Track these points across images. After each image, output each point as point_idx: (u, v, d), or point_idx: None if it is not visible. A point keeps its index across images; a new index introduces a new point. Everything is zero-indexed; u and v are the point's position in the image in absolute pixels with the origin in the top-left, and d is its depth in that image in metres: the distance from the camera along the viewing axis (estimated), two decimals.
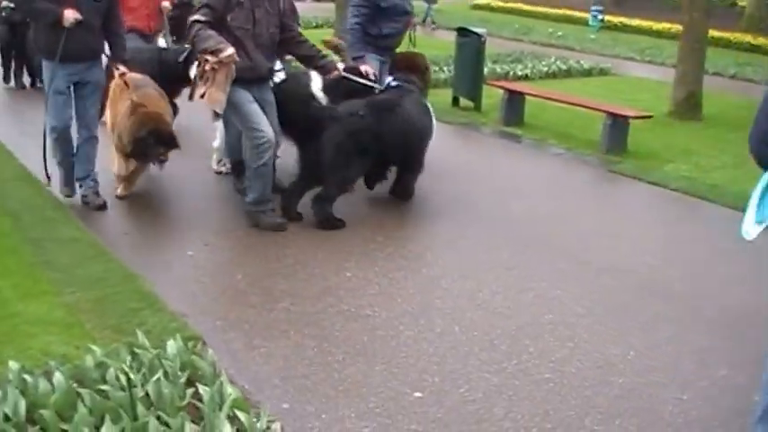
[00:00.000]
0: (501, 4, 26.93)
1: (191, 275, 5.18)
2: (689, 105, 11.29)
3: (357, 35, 7.34)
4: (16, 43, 10.94)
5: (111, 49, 6.38)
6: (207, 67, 5.63)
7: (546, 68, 14.24)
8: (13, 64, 11.40)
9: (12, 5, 10.28)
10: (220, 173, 7.40)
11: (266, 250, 5.62)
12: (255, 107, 5.91)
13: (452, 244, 5.93)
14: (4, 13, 10.82)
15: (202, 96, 5.77)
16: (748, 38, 21.33)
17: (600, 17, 22.85)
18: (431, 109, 6.92)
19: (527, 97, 10.28)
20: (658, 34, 22.08)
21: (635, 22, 23.16)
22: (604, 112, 9.16)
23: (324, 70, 6.43)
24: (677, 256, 6.04)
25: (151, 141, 6.13)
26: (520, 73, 13.54)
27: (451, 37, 12.00)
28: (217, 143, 7.40)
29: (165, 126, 6.26)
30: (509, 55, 15.51)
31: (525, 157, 8.94)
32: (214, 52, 5.60)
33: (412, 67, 7.14)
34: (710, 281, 5.54)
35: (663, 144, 9.53)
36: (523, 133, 9.78)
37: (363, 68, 6.77)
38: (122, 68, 6.35)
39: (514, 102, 10.15)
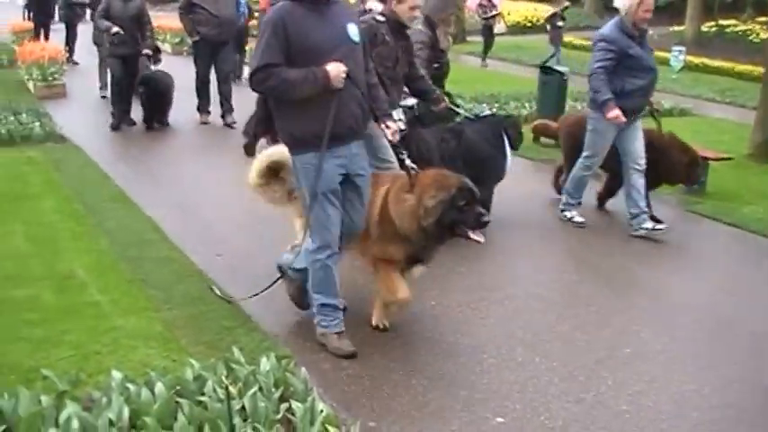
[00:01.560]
0: (583, 42, 26.80)
1: (282, 298, 5.34)
2: None
3: (603, 78, 6.83)
4: (128, 79, 10.78)
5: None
6: None
7: None
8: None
9: (121, 31, 10.35)
10: None
11: (354, 275, 5.76)
12: (386, 142, 6.08)
13: (532, 278, 6.00)
14: (115, 41, 10.50)
15: None
16: None
17: (681, 57, 22.56)
18: (505, 143, 7.04)
19: None
20: (740, 76, 21.70)
21: (716, 62, 22.82)
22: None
23: (434, 102, 6.70)
24: (755, 296, 5.99)
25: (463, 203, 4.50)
26: None
27: (527, 73, 12.10)
28: None
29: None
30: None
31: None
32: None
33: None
34: None
35: (742, 186, 9.41)
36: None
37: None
38: (394, 126, 4.78)
39: None
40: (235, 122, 10.95)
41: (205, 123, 11.39)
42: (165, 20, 21.11)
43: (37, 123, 10.24)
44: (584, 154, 7.41)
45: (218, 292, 5.17)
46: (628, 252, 6.78)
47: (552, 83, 10.86)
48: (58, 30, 18.43)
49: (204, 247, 6.28)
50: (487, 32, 22.20)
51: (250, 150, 9.04)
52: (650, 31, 24.62)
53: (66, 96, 13.55)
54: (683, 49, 22.96)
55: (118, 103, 10.85)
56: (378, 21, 6.00)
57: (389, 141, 4.84)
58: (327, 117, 4.24)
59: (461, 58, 21.58)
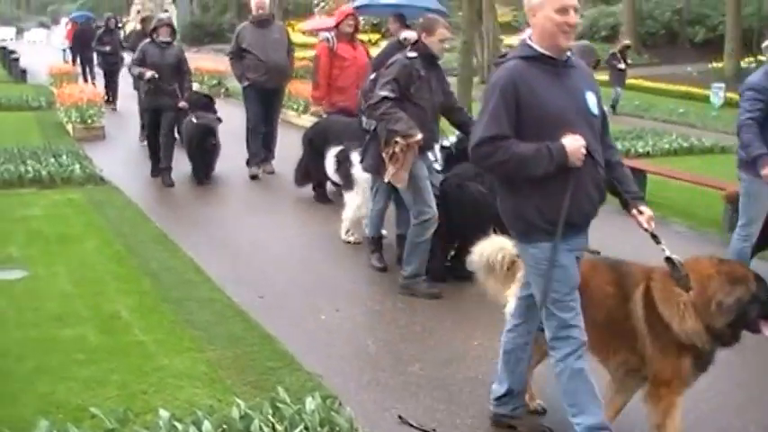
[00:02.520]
0: None
1: (323, 338, 5.45)
2: None
3: (753, 131, 6.07)
4: (167, 134, 10.43)
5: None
6: (397, 149, 5.97)
7: (667, 146, 14.17)
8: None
9: (156, 75, 9.88)
10: (349, 242, 7.69)
11: (395, 317, 5.86)
12: (428, 184, 6.22)
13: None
14: (151, 87, 10.05)
15: (390, 176, 6.12)
16: None
17: (721, 94, 22.55)
18: None
19: (649, 174, 10.29)
20: None
21: None
22: (727, 190, 9.09)
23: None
24: None
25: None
26: (641, 150, 13.54)
27: None
28: (347, 214, 7.71)
29: None
30: (630, 132, 15.51)
31: (647, 234, 8.92)
32: (405, 136, 5.94)
33: None
34: None
35: None
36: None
37: None
38: (648, 212, 4.16)
39: (636, 179, 10.08)
40: (273, 171, 10.98)
41: (255, 178, 10.71)
42: (202, 61, 21.58)
43: (77, 165, 10.48)
44: (740, 222, 6.55)
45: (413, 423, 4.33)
46: None
47: None
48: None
49: (246, 288, 6.39)
50: None
51: (322, 197, 9.35)
52: (689, 68, 24.55)
53: (105, 138, 13.87)
54: (722, 85, 22.92)
55: (154, 159, 10.56)
56: (410, 58, 6.19)
57: (645, 230, 4.17)
58: (563, 201, 3.68)
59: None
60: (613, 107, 19.64)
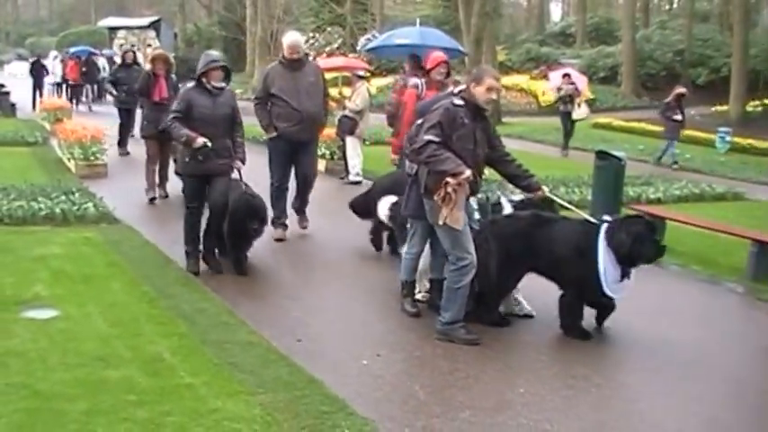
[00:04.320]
0: (623, 123, 27.45)
1: (370, 383, 5.69)
2: None
3: None
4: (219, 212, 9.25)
5: None
6: (449, 189, 6.24)
7: (678, 192, 14.55)
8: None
9: (209, 143, 7.88)
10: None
11: (437, 363, 6.11)
12: (468, 229, 6.49)
13: (616, 367, 6.37)
14: (200, 156, 7.98)
15: (446, 219, 6.36)
16: None
17: (727, 138, 23.04)
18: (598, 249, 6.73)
19: (667, 221, 10.62)
20: None
21: (764, 143, 23.26)
22: (750, 239, 9.44)
23: (528, 189, 7.00)
24: None
25: None
26: (652, 196, 13.90)
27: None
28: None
29: None
30: (638, 177, 15.88)
31: (670, 282, 9.24)
32: (455, 174, 6.22)
33: None
34: None
35: None
36: (666, 258, 10.07)
37: None
38: None
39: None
40: (306, 227, 10.38)
41: (280, 240, 9.82)
42: None
43: (90, 204, 10.71)
44: None
45: None
46: (704, 340, 7.09)
47: (608, 168, 11.22)
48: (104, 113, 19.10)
49: (281, 332, 6.63)
50: (566, 118, 21.09)
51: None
52: (692, 112, 24.96)
53: (108, 176, 14.06)
54: (729, 130, 23.39)
55: (192, 244, 8.46)
56: (456, 105, 6.48)
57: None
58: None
59: None
60: (676, 162, 19.46)
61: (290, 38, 9.61)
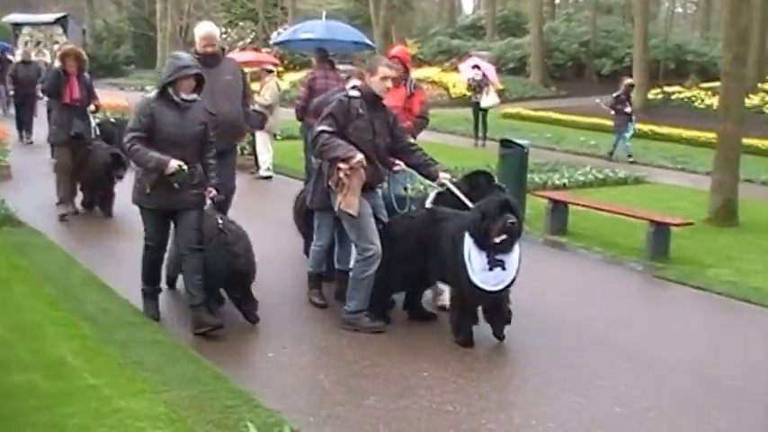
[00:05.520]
0: (531, 113, 27.90)
1: (276, 376, 5.70)
2: (726, 212, 11.85)
3: None
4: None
5: None
6: (341, 175, 6.27)
7: (582, 178, 14.89)
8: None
9: (185, 165, 6.28)
10: None
11: (343, 352, 6.16)
12: (372, 221, 6.52)
13: (516, 346, 6.45)
14: (178, 182, 6.34)
15: (340, 204, 6.39)
16: None
17: (630, 125, 23.56)
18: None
19: (570, 206, 10.87)
20: (688, 142, 22.79)
21: (664, 129, 23.93)
22: (647, 219, 9.73)
23: (430, 177, 6.90)
24: (729, 353, 6.60)
25: None
26: (558, 182, 14.18)
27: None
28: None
29: None
30: (545, 164, 16.21)
31: (573, 264, 9.48)
32: (345, 159, 6.25)
33: None
34: (762, 374, 6.10)
35: (704, 250, 10.07)
36: (568, 241, 10.35)
37: None
38: None
39: (558, 211, 10.76)
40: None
41: None
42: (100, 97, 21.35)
43: None
44: None
45: None
46: (606, 318, 7.29)
47: (512, 156, 11.41)
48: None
49: (188, 329, 6.57)
50: (477, 109, 21.33)
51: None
52: (597, 100, 25.45)
53: (12, 178, 13.66)
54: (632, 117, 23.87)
55: (152, 283, 7.05)
56: (351, 96, 6.54)
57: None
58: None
59: None
60: (630, 155, 19.13)
61: (204, 28, 8.09)
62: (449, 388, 5.52)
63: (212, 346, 6.23)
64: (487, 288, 6.15)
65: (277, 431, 4.49)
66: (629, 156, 19.10)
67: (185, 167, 6.28)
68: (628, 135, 19.46)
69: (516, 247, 6.26)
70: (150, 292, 6.98)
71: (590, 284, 8.54)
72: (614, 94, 19.96)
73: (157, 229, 6.73)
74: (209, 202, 6.75)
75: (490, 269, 6.13)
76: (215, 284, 6.74)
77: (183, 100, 6.37)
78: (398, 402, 5.26)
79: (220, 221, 6.70)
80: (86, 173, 10.96)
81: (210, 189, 6.68)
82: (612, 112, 19.79)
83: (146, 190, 6.45)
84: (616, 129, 19.67)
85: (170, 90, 6.34)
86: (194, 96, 6.49)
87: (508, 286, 6.28)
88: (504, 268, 6.17)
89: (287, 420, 4.86)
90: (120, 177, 10.74)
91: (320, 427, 4.89)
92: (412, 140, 6.99)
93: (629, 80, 20.79)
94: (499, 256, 6.12)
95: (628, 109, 19.51)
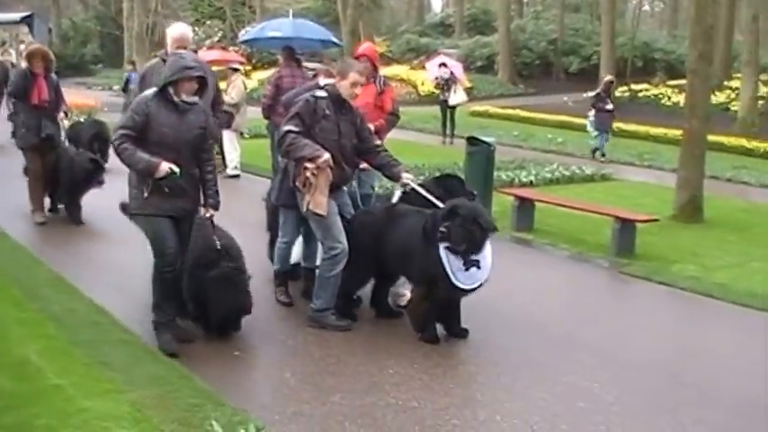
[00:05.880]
0: (499, 110, 28.06)
1: (243, 374, 5.72)
2: (691, 209, 12.01)
3: None
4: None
5: None
6: (308, 174, 6.28)
7: (549, 175, 15.00)
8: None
9: (176, 168, 5.80)
10: None
11: (309, 350, 6.18)
12: (338, 219, 6.54)
13: (482, 343, 6.49)
14: (168, 188, 5.90)
15: (308, 204, 6.38)
16: (743, 141, 22.40)
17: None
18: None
19: (536, 203, 10.96)
20: (654, 139, 23.05)
21: (631, 127, 24.15)
22: (613, 216, 9.84)
23: (393, 177, 6.88)
24: (693, 348, 6.68)
25: None
26: (524, 179, 14.28)
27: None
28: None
29: None
30: (512, 161, 16.31)
31: (539, 261, 9.56)
32: (312, 159, 6.25)
33: None
34: (725, 369, 6.20)
35: (668, 246, 10.20)
36: (534, 238, 10.43)
37: None
38: None
39: (525, 208, 10.84)
40: None
41: None
42: (67, 96, 21.16)
43: None
44: None
45: None
46: (572, 315, 7.37)
47: (479, 153, 11.48)
48: None
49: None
50: (444, 107, 21.40)
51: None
52: (565, 98, 25.61)
53: None
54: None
55: (166, 312, 6.29)
56: (318, 97, 6.55)
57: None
58: None
59: None
60: (603, 154, 18.97)
61: (178, 29, 7.59)
62: (414, 385, 5.56)
63: (178, 346, 6.21)
64: (466, 287, 6.27)
65: (242, 429, 4.50)
66: (603, 155, 19.12)
67: (177, 171, 5.82)
68: (591, 131, 19.59)
69: (488, 246, 6.37)
70: (164, 321, 6.20)
71: (556, 281, 8.62)
72: (593, 92, 19.96)
73: (165, 239, 6.00)
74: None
75: (466, 269, 6.23)
76: (213, 321, 6.38)
77: (182, 101, 5.94)
78: (364, 399, 5.30)
79: (218, 243, 6.32)
80: (66, 179, 10.45)
81: (210, 209, 6.26)
82: (593, 112, 19.56)
83: (143, 194, 5.92)
84: (597, 127, 19.38)
85: (170, 90, 5.89)
86: (195, 99, 6.03)
87: (483, 284, 6.39)
88: (479, 267, 6.27)
89: (252, 418, 4.87)
90: (101, 183, 10.36)
91: (286, 425, 4.90)
92: (378, 142, 6.99)
93: (608, 77, 20.54)
94: (474, 257, 6.23)
95: (609, 107, 19.22)
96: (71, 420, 4.83)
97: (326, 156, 6.29)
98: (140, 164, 5.78)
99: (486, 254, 6.35)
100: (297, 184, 6.45)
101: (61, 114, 10.55)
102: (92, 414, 4.93)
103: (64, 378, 5.47)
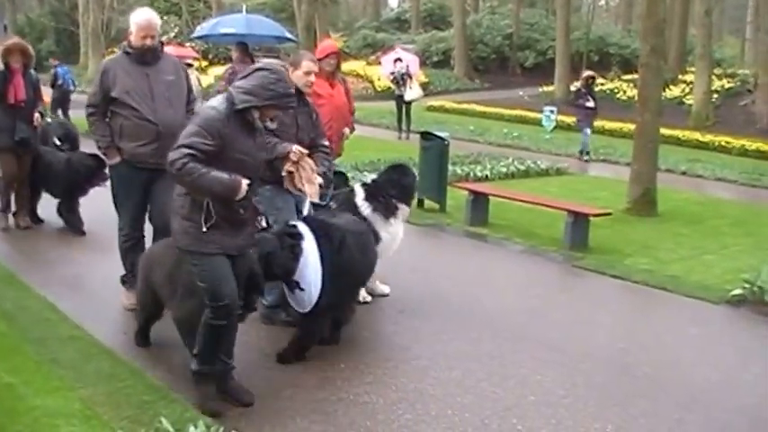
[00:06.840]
0: (455, 105, 28.21)
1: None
2: (645, 202, 12.19)
3: None
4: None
5: None
6: (291, 169, 6.12)
7: (505, 169, 15.12)
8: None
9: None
10: None
11: (261, 346, 6.18)
12: (294, 218, 6.42)
13: (435, 338, 6.53)
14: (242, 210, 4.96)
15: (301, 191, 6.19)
16: (697, 135, 22.78)
17: (553, 117, 23.99)
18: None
19: (491, 198, 11.04)
20: (610, 133, 23.33)
21: None
22: (566, 210, 9.95)
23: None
24: (645, 341, 6.75)
25: None
26: (480, 174, 14.38)
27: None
28: None
29: None
30: (467, 156, 16.41)
31: (493, 255, 9.63)
32: (285, 157, 6.06)
33: None
34: (677, 362, 6.28)
35: (622, 239, 10.35)
36: (489, 233, 10.52)
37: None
38: None
39: (479, 202, 10.92)
40: None
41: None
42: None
43: None
44: None
45: None
46: (525, 308, 7.44)
47: (433, 149, 11.55)
48: None
49: (106, 325, 6.52)
50: (400, 102, 21.44)
51: None
52: (521, 92, 25.89)
53: None
54: (554, 108, 24.37)
55: (214, 364, 5.24)
56: None
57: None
58: None
59: None
60: (588, 153, 18.61)
61: (143, 15, 6.80)
62: (366, 379, 5.59)
63: (129, 343, 6.17)
64: (299, 309, 5.91)
65: (192, 426, 4.50)
66: (587, 153, 18.80)
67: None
68: (547, 125, 19.74)
69: (308, 264, 5.74)
70: (208, 371, 5.20)
71: (509, 275, 8.69)
72: (573, 88, 19.99)
73: (227, 277, 4.96)
74: None
75: (292, 292, 5.88)
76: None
77: (265, 128, 5.17)
78: (315, 394, 5.31)
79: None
80: (62, 183, 9.94)
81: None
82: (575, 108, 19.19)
83: (202, 228, 4.87)
84: (579, 125, 18.96)
85: (254, 113, 4.95)
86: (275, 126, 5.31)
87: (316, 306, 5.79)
88: (301, 288, 5.74)
89: (203, 415, 4.88)
90: (106, 180, 8.29)
91: (236, 421, 4.90)
92: (325, 143, 6.94)
93: (588, 72, 19.96)
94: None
95: (590, 103, 18.53)
96: (21, 419, 4.82)
97: (294, 146, 6.07)
98: (221, 184, 4.74)
99: (306, 272, 5.71)
100: (287, 186, 6.22)
101: (36, 114, 9.73)
102: (41, 412, 4.92)
103: (15, 376, 5.45)
